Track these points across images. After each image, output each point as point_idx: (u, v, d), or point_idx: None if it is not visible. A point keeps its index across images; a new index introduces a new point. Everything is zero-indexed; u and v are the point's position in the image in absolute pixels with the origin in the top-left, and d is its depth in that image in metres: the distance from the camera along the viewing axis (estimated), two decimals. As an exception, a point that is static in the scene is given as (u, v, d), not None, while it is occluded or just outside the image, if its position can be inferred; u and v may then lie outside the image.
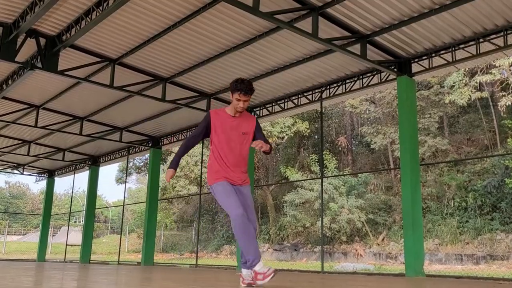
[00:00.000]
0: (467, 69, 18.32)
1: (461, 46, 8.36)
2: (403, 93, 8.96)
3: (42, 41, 8.69)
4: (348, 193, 22.85)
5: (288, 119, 24.87)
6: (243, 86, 4.09)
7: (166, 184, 29.14)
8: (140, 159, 35.87)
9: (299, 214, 24.03)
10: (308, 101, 11.17)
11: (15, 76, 10.14)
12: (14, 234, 46.03)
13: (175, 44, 9.12)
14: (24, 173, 21.63)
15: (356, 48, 8.44)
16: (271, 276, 3.84)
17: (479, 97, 20.10)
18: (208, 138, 4.33)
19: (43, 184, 27.35)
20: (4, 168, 21.19)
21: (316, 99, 10.97)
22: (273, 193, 28.51)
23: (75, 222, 42.34)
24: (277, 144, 30.19)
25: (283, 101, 11.67)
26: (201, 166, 17.56)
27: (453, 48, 8.44)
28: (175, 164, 4.17)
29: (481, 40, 8.09)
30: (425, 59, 8.88)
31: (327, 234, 21.97)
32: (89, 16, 7.74)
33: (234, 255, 21.58)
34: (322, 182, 11.62)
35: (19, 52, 8.39)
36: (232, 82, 4.18)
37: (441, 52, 8.64)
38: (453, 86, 19.90)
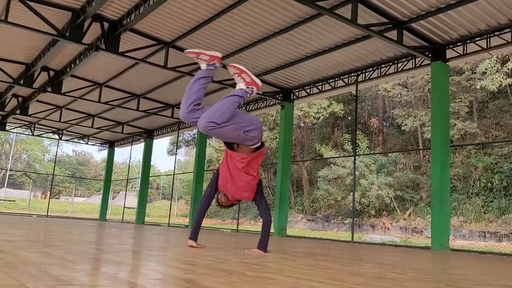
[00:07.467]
0: (499, 55, 17.35)
1: (496, 33, 7.88)
2: (437, 78, 8.58)
3: (106, 25, 8.83)
4: (378, 171, 22.43)
5: (324, 100, 24.48)
6: None
7: (211, 156, 29.49)
8: (189, 134, 36.36)
9: (331, 189, 23.86)
10: (344, 84, 10.91)
11: (82, 56, 10.41)
12: (80, 196, 48.12)
13: (222, 29, 9.06)
14: (89, 143, 22.42)
15: (393, 34, 8.12)
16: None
17: (510, 83, 19.09)
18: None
19: (104, 153, 28.24)
20: (72, 138, 22.03)
21: (351, 82, 10.70)
22: (308, 168, 28.36)
23: (131, 188, 43.70)
24: (313, 123, 29.85)
25: (320, 83, 11.46)
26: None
27: (488, 35, 7.98)
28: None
29: (517, 27, 7.60)
30: (459, 45, 8.45)
31: (357, 208, 21.75)
32: (147, 2, 7.78)
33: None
34: (354, 159, 11.43)
35: (85, 35, 8.57)
36: None
37: (476, 39, 8.18)
38: (485, 72, 18.94)
